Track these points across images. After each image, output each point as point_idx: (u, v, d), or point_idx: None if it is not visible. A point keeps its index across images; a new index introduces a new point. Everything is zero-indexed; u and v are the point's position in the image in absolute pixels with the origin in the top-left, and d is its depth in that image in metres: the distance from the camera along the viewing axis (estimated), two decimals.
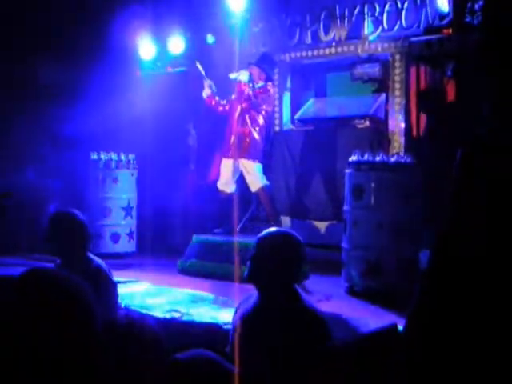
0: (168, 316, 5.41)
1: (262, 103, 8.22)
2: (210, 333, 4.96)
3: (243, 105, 8.24)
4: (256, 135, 8.23)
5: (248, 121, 8.25)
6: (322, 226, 8.96)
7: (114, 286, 4.19)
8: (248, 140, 8.19)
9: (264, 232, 3.34)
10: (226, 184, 8.42)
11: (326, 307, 6.28)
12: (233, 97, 8.44)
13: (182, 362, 1.86)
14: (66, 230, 4.15)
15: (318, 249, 8.44)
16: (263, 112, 8.28)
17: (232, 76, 8.40)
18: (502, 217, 2.62)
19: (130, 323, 2.26)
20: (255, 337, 3.15)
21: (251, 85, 8.25)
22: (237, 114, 8.33)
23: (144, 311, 5.57)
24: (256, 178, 8.21)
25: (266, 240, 3.26)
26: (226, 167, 8.40)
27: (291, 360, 3.00)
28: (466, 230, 2.73)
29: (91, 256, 4.28)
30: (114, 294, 4.19)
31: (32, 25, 10.22)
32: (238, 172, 8.38)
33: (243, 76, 8.26)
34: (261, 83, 8.33)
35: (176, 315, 5.44)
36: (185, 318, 5.36)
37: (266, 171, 8.65)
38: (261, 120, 8.30)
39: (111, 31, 10.01)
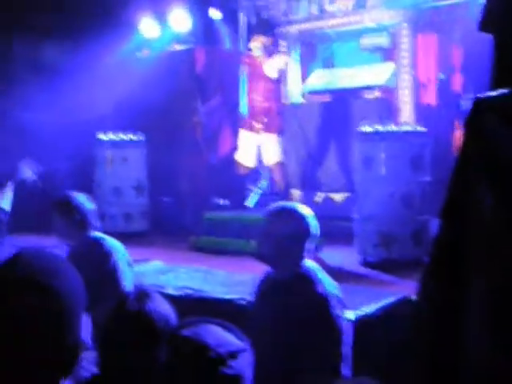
0: (181, 293, 5.41)
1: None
2: (223, 308, 4.96)
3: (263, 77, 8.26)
4: (275, 108, 8.24)
5: (269, 94, 8.24)
6: (336, 197, 8.89)
7: (119, 269, 4.15)
8: (271, 113, 8.19)
9: (270, 207, 3.27)
10: (246, 157, 8.39)
11: (340, 279, 6.28)
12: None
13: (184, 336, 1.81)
14: (63, 214, 4.18)
15: (332, 221, 8.41)
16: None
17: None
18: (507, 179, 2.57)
19: (141, 300, 2.25)
20: (265, 317, 3.11)
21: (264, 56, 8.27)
22: (258, 86, 8.32)
23: (156, 289, 5.57)
24: (275, 151, 8.20)
25: (272, 215, 3.19)
26: (247, 139, 8.35)
27: (292, 342, 2.94)
28: (471, 196, 2.67)
29: (99, 238, 4.26)
30: (124, 277, 4.15)
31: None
32: (258, 144, 8.39)
33: (255, 50, 8.26)
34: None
35: (189, 292, 5.44)
36: (197, 295, 5.37)
37: None
38: (277, 92, 8.32)
39: (115, 10, 9.97)
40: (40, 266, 1.48)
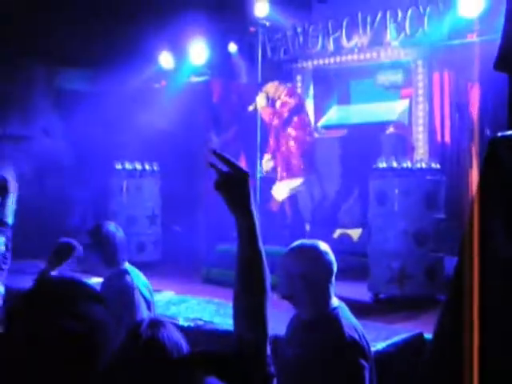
0: (192, 324, 5.41)
1: (292, 115, 8.25)
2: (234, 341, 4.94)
3: (276, 125, 8.31)
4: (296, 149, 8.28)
5: (284, 139, 8.29)
6: (351, 233, 8.90)
7: (138, 305, 4.11)
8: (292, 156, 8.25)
9: (291, 245, 3.13)
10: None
11: (352, 315, 6.26)
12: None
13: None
14: (98, 241, 4.12)
15: (345, 256, 8.41)
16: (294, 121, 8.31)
17: (251, 108, 8.42)
18: None
19: (153, 327, 2.27)
20: (290, 358, 3.02)
21: (271, 104, 8.31)
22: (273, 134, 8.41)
23: (168, 319, 5.57)
24: (287, 186, 8.23)
25: (293, 253, 3.07)
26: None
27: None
28: (486, 232, 2.68)
29: (125, 270, 4.22)
30: (141, 311, 4.11)
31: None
32: None
33: (260, 101, 8.29)
34: (283, 97, 8.33)
35: (199, 323, 5.44)
36: (208, 327, 5.36)
37: None
38: (293, 132, 8.31)
39: (134, 42, 10.10)
40: (72, 293, 1.51)
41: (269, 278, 1.98)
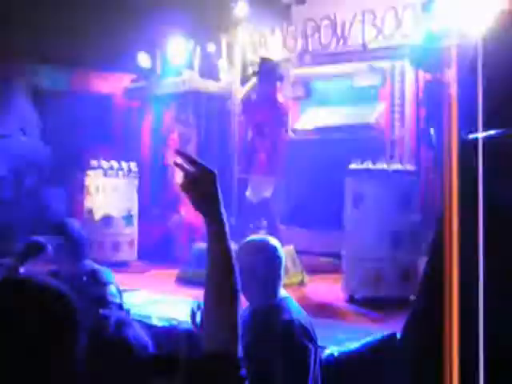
0: (166, 324, 5.40)
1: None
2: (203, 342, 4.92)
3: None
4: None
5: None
6: (323, 234, 8.93)
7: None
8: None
9: (242, 242, 3.30)
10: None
11: (326, 315, 6.29)
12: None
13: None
14: (57, 241, 4.16)
15: (319, 257, 8.43)
16: None
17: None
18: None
19: (119, 327, 2.25)
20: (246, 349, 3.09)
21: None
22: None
23: (142, 319, 5.56)
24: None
25: (243, 249, 3.21)
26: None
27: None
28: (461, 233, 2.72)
29: (88, 265, 4.25)
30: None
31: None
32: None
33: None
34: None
35: (174, 323, 5.43)
36: (182, 326, 5.34)
37: None
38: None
39: (113, 40, 10.05)
40: (35, 293, 1.49)
41: (238, 278, 1.99)
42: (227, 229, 1.94)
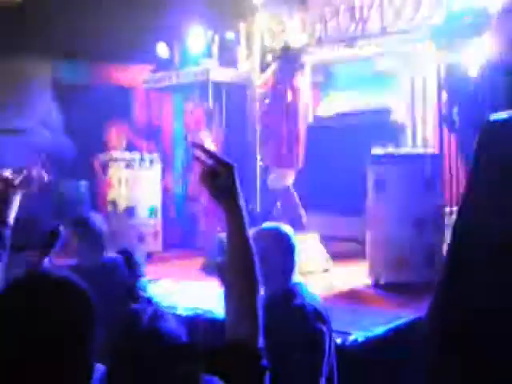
0: (190, 313, 5.42)
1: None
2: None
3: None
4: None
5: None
6: (347, 219, 8.88)
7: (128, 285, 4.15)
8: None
9: (255, 229, 3.26)
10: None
11: (351, 301, 6.28)
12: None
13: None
14: (79, 235, 4.19)
15: (342, 242, 8.41)
16: None
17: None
18: None
19: (153, 319, 2.27)
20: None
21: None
22: None
23: (168, 309, 5.59)
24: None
25: (254, 237, 3.22)
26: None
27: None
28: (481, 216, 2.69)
29: (114, 260, 4.27)
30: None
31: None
32: None
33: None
34: None
35: (198, 312, 5.45)
36: (207, 315, 5.37)
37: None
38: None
39: (132, 33, 10.06)
40: (48, 291, 1.50)
41: (258, 269, 1.99)
42: (246, 221, 1.94)
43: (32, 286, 1.49)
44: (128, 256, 4.18)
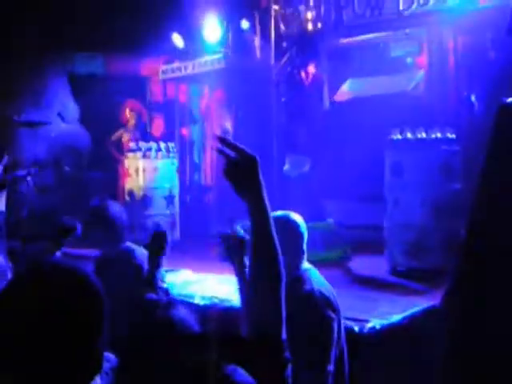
0: (208, 302, 5.42)
1: None
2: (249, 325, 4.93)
3: None
4: None
5: None
6: (364, 206, 8.82)
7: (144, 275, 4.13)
8: None
9: None
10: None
11: (369, 288, 6.24)
12: None
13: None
14: (98, 223, 4.16)
15: (360, 230, 8.35)
16: None
17: None
18: None
19: (167, 308, 2.27)
20: None
21: None
22: None
23: (185, 299, 5.61)
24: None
25: None
26: None
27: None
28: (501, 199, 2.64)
29: (131, 249, 4.26)
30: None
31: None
32: None
33: None
34: None
35: (216, 301, 5.45)
36: (224, 304, 5.36)
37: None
38: None
39: (147, 23, 10.05)
40: (59, 281, 1.48)
41: (282, 262, 1.97)
42: (270, 215, 1.92)
43: (39, 276, 1.48)
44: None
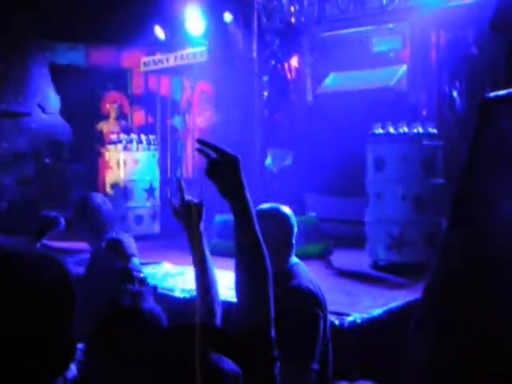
0: (188, 295, 5.39)
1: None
2: (230, 311, 4.91)
3: None
4: None
5: None
6: (346, 201, 8.84)
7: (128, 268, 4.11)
8: None
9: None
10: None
11: (350, 282, 6.25)
12: None
13: None
14: (83, 214, 4.11)
15: (342, 224, 8.36)
16: None
17: None
18: None
19: (135, 298, 2.25)
20: None
21: None
22: None
23: (166, 291, 5.58)
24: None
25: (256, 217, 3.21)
26: None
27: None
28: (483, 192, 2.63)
29: (116, 238, 4.21)
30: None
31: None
32: None
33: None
34: None
35: (195, 294, 5.41)
36: None
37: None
38: None
39: (129, 15, 9.98)
40: (25, 265, 1.45)
41: (268, 260, 1.97)
42: (253, 213, 1.94)
43: (5, 260, 1.45)
44: (115, 243, 4.09)
